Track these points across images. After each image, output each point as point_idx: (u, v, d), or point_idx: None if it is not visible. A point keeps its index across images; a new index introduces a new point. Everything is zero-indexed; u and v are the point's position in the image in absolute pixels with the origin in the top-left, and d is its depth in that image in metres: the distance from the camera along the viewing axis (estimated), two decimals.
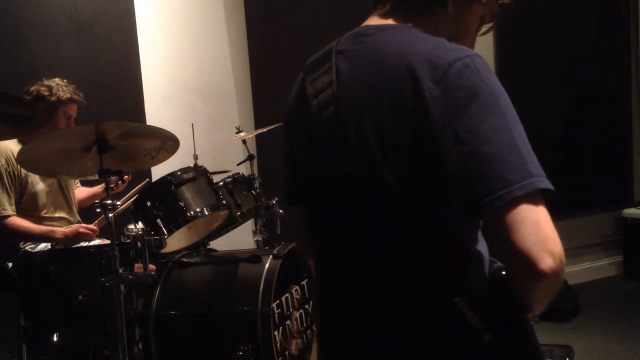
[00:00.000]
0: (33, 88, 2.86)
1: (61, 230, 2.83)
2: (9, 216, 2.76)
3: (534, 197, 0.88)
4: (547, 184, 0.90)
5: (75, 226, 2.85)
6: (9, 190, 2.78)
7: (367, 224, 1.01)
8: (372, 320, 1.03)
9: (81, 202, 3.21)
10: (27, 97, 2.80)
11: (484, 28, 1.14)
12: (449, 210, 0.95)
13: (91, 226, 2.83)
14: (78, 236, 2.79)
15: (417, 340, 0.99)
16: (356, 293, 1.06)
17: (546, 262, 0.86)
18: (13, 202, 2.80)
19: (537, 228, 0.87)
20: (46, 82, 2.88)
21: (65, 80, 2.92)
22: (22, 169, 2.82)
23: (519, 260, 0.87)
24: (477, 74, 0.93)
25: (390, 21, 1.08)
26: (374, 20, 1.10)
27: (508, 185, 0.87)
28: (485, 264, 1.02)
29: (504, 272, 0.96)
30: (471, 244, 1.01)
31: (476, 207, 0.89)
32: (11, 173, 2.79)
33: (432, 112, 0.91)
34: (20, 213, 2.82)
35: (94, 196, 3.23)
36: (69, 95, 2.87)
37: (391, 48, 1.00)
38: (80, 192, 3.25)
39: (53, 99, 2.84)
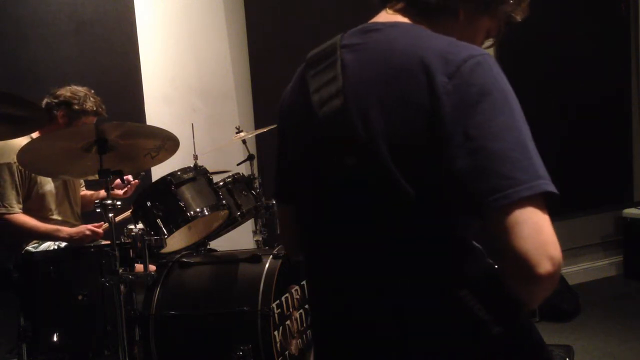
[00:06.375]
0: (60, 92, 2.84)
1: (67, 230, 2.81)
2: (15, 213, 2.76)
3: (539, 200, 0.87)
4: (553, 188, 0.88)
5: (81, 227, 2.82)
6: (18, 188, 2.77)
7: (368, 220, 1.00)
8: (374, 318, 1.01)
9: (85, 205, 3.20)
10: (53, 100, 2.81)
11: (488, 42, 1.15)
12: (451, 210, 0.93)
13: (97, 229, 2.79)
14: (83, 238, 2.77)
15: (425, 335, 0.97)
16: (355, 291, 1.04)
17: (544, 267, 0.85)
18: (21, 200, 2.79)
19: (539, 231, 0.85)
20: (74, 89, 2.86)
21: (92, 91, 2.91)
22: None
23: (517, 262, 0.86)
24: (489, 72, 0.92)
25: (399, 18, 1.07)
26: (382, 17, 1.09)
27: (516, 184, 0.86)
28: (483, 260, 1.00)
29: (496, 267, 0.95)
30: (470, 243, 1.00)
31: (478, 205, 0.88)
32: (22, 170, 2.78)
33: (444, 106, 0.90)
34: (25, 212, 2.81)
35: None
36: (95, 109, 2.87)
37: (401, 43, 0.99)
38: (86, 195, 3.23)
39: (77, 107, 2.82)
